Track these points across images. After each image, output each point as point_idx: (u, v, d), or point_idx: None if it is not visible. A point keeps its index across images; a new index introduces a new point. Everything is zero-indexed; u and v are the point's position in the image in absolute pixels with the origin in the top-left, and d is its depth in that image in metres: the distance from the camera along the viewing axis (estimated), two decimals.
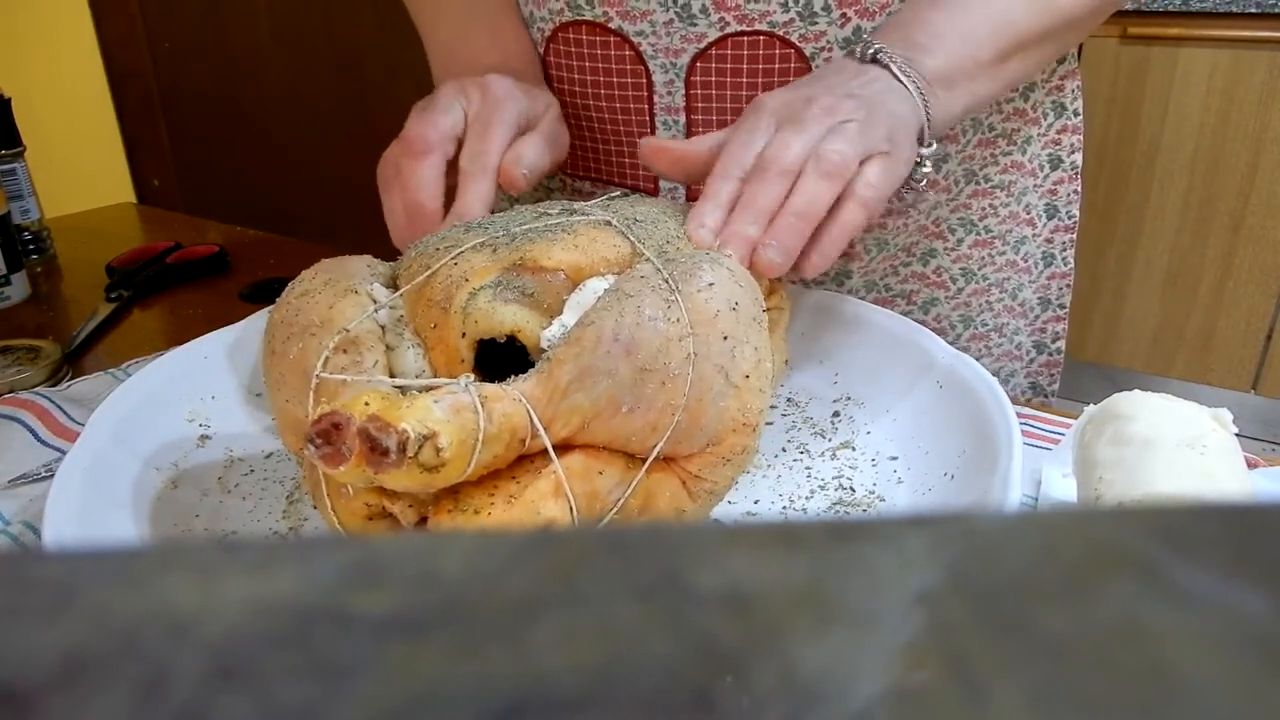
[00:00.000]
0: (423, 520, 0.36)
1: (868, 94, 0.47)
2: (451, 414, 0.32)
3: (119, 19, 1.81)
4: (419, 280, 0.40)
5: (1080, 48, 0.66)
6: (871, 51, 0.49)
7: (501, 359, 0.39)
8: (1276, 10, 1.71)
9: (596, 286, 0.39)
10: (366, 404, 0.32)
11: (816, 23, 0.56)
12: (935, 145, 0.51)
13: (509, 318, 0.38)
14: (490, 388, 0.35)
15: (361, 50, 1.93)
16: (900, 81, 0.49)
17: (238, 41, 1.96)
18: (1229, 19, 1.75)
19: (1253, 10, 1.72)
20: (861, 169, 0.45)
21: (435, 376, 0.39)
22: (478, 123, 0.52)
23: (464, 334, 0.38)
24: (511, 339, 0.39)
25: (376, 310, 0.40)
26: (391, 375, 0.39)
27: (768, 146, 0.45)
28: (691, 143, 0.48)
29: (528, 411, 0.35)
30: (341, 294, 0.40)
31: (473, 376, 0.36)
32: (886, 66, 0.49)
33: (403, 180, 0.49)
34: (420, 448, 0.31)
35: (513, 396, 0.35)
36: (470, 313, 0.38)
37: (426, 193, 0.49)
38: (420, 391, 0.34)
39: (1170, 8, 1.78)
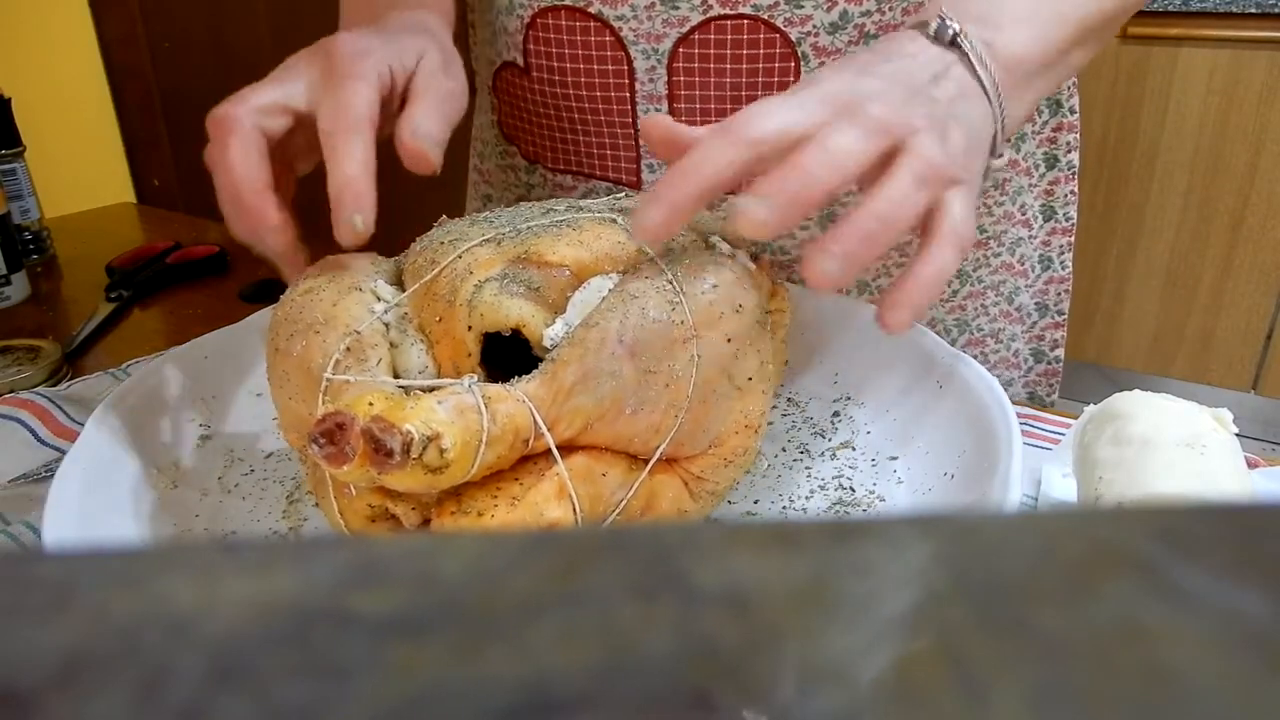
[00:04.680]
0: (426, 522, 0.36)
1: (942, 99, 0.39)
2: (455, 415, 0.32)
3: (119, 19, 1.81)
4: (426, 279, 0.40)
5: None
6: (950, 33, 0.41)
7: (506, 353, 0.39)
8: (1276, 10, 1.71)
9: (600, 285, 0.39)
10: (370, 404, 0.32)
11: (802, 6, 0.55)
12: (1005, 157, 0.43)
13: (514, 311, 0.38)
14: (494, 388, 0.35)
15: None
16: (977, 78, 0.41)
17: (238, 41, 1.96)
18: (1229, 19, 1.75)
19: (1253, 10, 1.72)
20: (946, 203, 0.37)
21: (440, 372, 0.39)
22: (328, 83, 0.43)
23: (470, 327, 0.38)
24: (516, 332, 0.39)
25: (385, 311, 0.40)
26: (395, 373, 0.39)
27: (819, 131, 0.36)
28: (692, 129, 0.41)
29: (531, 412, 0.35)
30: (346, 291, 0.40)
31: (476, 377, 0.36)
32: (965, 55, 0.41)
33: (214, 169, 0.42)
34: (424, 449, 0.31)
35: (516, 397, 0.35)
36: (476, 305, 0.38)
37: (242, 176, 0.41)
38: (424, 392, 0.34)
39: (1170, 8, 1.78)
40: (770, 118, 0.36)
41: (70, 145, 1.74)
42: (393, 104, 0.45)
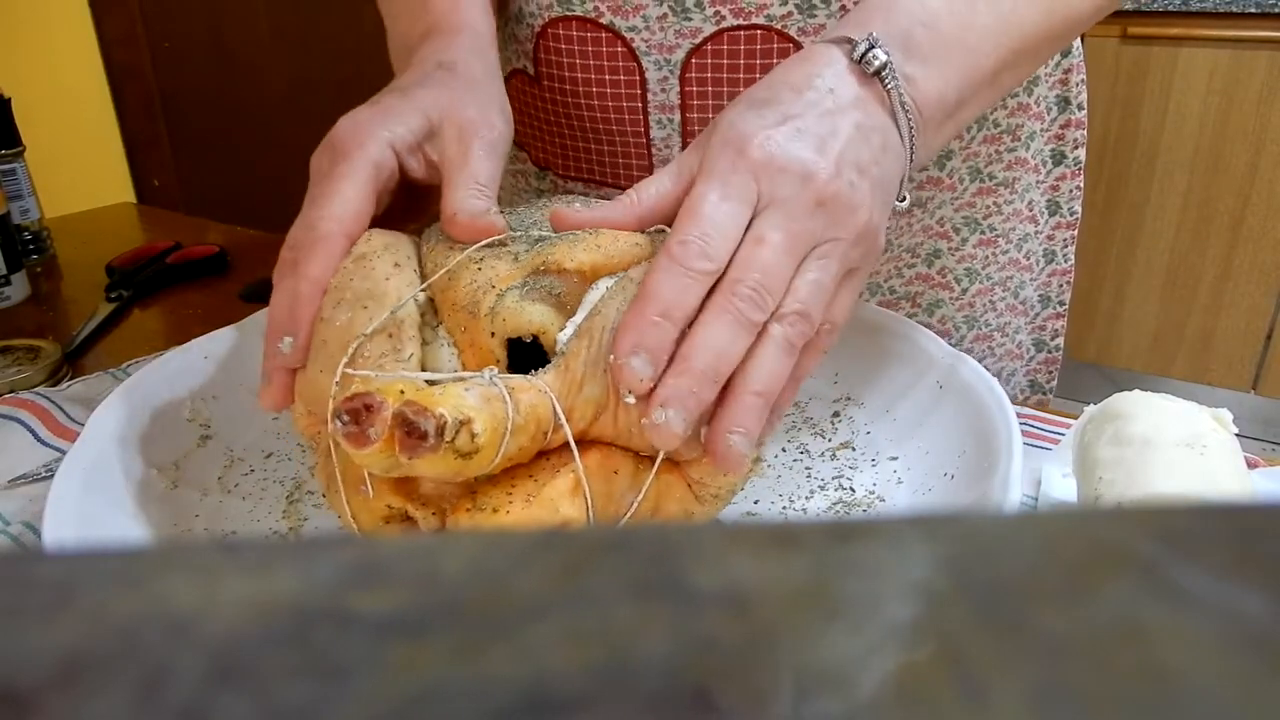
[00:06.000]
0: (442, 527, 0.36)
1: (863, 164, 0.38)
2: (483, 402, 0.33)
3: (119, 19, 1.81)
4: (447, 268, 0.39)
5: (1082, 41, 0.65)
6: (876, 65, 0.40)
7: (526, 361, 0.39)
8: (1276, 10, 1.71)
9: (608, 284, 0.39)
10: (401, 391, 0.32)
11: (815, 15, 0.55)
12: (906, 201, 0.43)
13: (536, 316, 0.38)
14: (515, 379, 0.35)
15: (361, 50, 1.94)
16: (895, 121, 0.40)
17: (238, 41, 1.96)
18: (1229, 19, 1.75)
19: (1253, 10, 1.72)
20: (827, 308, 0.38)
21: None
22: (311, 193, 0.42)
23: (493, 334, 0.38)
24: (536, 339, 0.38)
25: (415, 295, 0.39)
26: (424, 369, 0.38)
27: (744, 260, 0.36)
28: (606, 208, 0.40)
29: (552, 402, 0.35)
30: (399, 265, 0.39)
31: (496, 369, 0.35)
32: (887, 92, 0.40)
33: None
34: (457, 433, 0.31)
35: (538, 388, 0.35)
36: (498, 312, 0.38)
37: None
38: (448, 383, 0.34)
39: (1170, 8, 1.78)
40: (723, 238, 0.36)
41: (70, 145, 1.74)
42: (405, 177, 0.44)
